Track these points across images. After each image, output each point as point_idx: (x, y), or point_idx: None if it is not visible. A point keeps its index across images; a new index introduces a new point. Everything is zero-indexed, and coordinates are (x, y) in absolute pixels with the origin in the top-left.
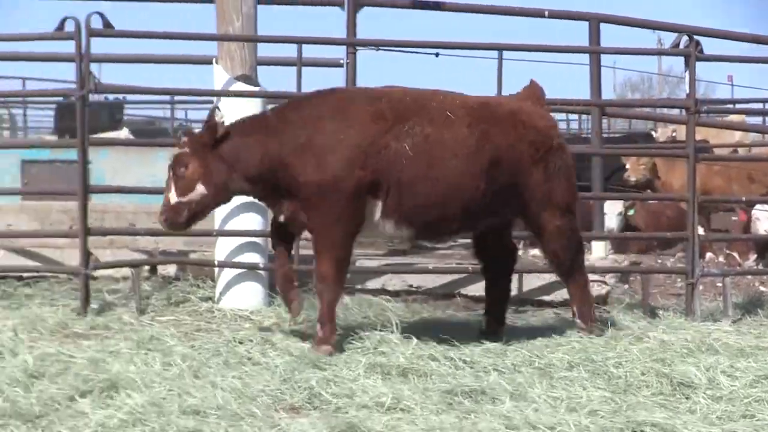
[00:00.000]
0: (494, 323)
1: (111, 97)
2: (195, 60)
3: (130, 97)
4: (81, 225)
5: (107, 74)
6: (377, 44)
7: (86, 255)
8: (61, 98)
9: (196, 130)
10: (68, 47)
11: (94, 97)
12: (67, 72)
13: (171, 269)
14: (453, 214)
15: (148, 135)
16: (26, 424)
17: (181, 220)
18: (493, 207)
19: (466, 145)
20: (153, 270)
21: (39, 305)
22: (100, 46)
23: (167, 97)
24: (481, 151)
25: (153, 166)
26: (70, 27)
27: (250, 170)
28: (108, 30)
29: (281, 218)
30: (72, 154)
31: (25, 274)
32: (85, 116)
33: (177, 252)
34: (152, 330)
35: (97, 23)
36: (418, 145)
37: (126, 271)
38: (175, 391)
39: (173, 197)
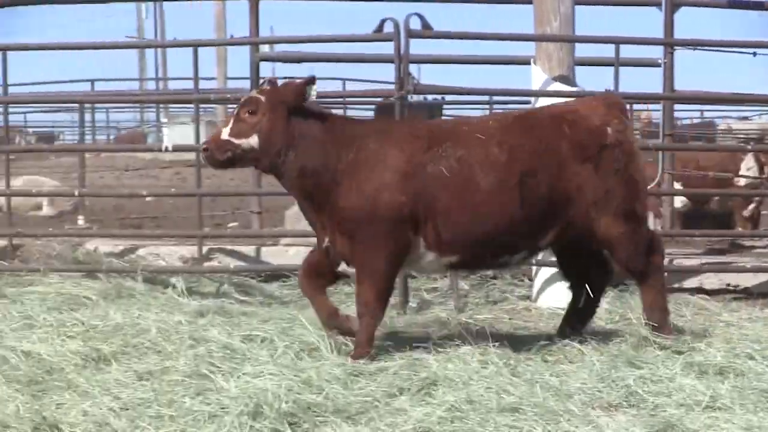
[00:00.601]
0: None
1: (430, 97)
2: (513, 60)
3: (448, 97)
4: None
5: (426, 75)
6: (695, 44)
7: None
8: (380, 99)
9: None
10: (387, 48)
11: (413, 98)
12: (387, 73)
13: None
14: (496, 232)
15: None
16: (346, 421)
17: (221, 158)
18: (544, 220)
19: (496, 162)
20: None
21: None
22: (418, 46)
23: (486, 98)
24: (512, 166)
25: None
26: (388, 28)
27: (307, 164)
28: (426, 31)
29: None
30: None
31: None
32: (405, 117)
33: None
34: (468, 328)
35: (415, 24)
36: (452, 167)
37: None
38: (493, 389)
39: (225, 133)
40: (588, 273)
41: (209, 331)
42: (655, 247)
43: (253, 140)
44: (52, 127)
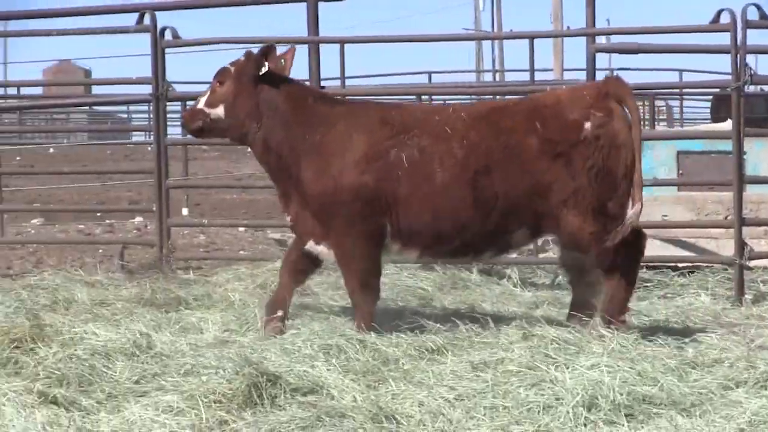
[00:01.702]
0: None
1: (767, 88)
2: None
3: None
4: (736, 215)
5: (763, 65)
6: None
7: (741, 245)
8: (716, 89)
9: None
10: (724, 39)
11: (749, 89)
12: (723, 64)
13: None
14: (452, 229)
15: None
16: (681, 414)
17: (193, 126)
18: (508, 218)
19: (453, 157)
20: None
21: (693, 295)
22: (755, 37)
23: None
24: (468, 162)
25: None
26: (725, 19)
27: (270, 138)
28: (763, 21)
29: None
30: (726, 145)
31: (680, 264)
32: (740, 107)
33: None
34: None
35: (752, 15)
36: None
37: None
38: None
39: (201, 103)
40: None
41: (544, 323)
42: (633, 243)
43: (220, 110)
44: None
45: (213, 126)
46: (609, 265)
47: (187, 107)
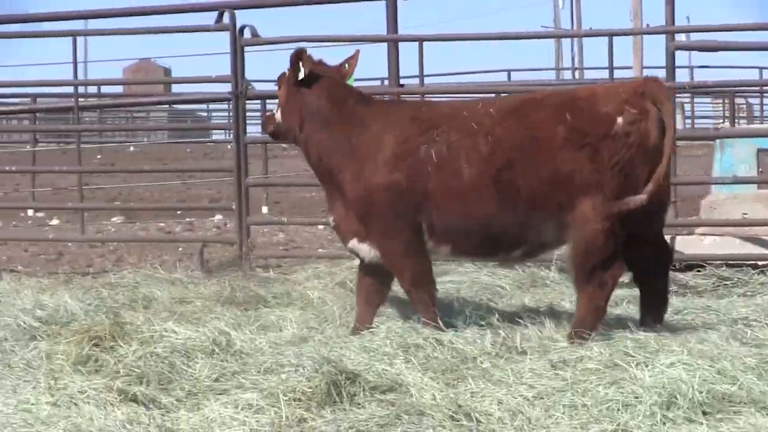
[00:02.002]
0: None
1: None
2: None
3: None
4: None
5: None
6: None
7: None
8: None
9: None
10: None
11: None
12: None
13: None
14: (480, 224)
15: None
16: (760, 412)
17: (267, 130)
18: (535, 212)
19: (480, 153)
20: None
21: None
22: None
23: None
24: (494, 158)
25: None
26: None
27: (311, 142)
28: None
29: (331, 221)
30: None
31: (760, 263)
32: None
33: None
34: None
35: None
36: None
37: None
38: None
39: (276, 107)
40: (646, 261)
41: (623, 321)
42: (615, 264)
43: (278, 115)
44: None
45: (279, 130)
46: (586, 277)
47: (267, 106)
